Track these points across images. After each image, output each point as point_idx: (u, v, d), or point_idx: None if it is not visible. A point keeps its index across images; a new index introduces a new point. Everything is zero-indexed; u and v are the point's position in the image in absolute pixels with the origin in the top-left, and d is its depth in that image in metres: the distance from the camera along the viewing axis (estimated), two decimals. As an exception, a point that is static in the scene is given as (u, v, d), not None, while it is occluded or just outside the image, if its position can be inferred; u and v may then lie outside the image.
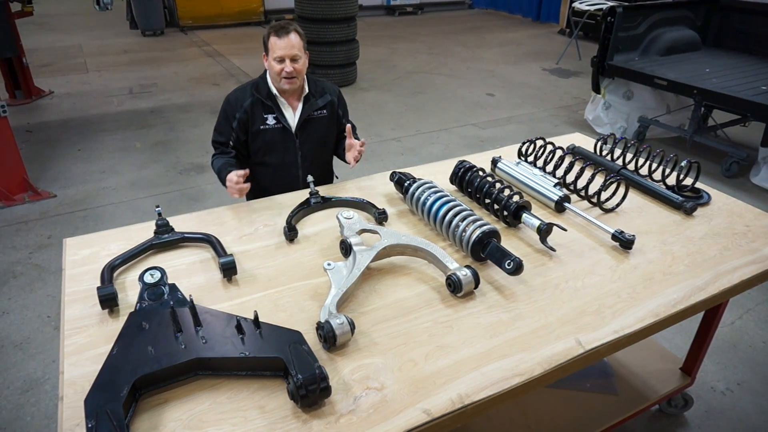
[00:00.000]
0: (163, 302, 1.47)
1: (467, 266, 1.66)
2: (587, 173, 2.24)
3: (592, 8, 9.01)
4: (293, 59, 2.19)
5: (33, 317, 3.08)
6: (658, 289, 1.69)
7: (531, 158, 2.49)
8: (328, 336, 1.40)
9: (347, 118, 2.57)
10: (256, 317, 1.40)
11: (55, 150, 5.27)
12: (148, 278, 1.52)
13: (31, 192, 4.36)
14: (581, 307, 1.60)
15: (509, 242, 1.93)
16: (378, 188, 2.33)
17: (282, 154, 2.40)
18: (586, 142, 2.77)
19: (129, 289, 1.66)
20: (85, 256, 1.84)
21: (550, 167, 2.38)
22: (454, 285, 1.62)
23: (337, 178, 2.75)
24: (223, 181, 2.19)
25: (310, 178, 2.18)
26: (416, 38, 10.57)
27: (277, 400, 1.28)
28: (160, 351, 1.31)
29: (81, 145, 5.38)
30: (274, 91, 2.30)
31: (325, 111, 2.41)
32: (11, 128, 4.23)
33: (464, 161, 2.27)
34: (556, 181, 2.22)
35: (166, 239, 1.85)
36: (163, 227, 1.87)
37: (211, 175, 4.29)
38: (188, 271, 1.76)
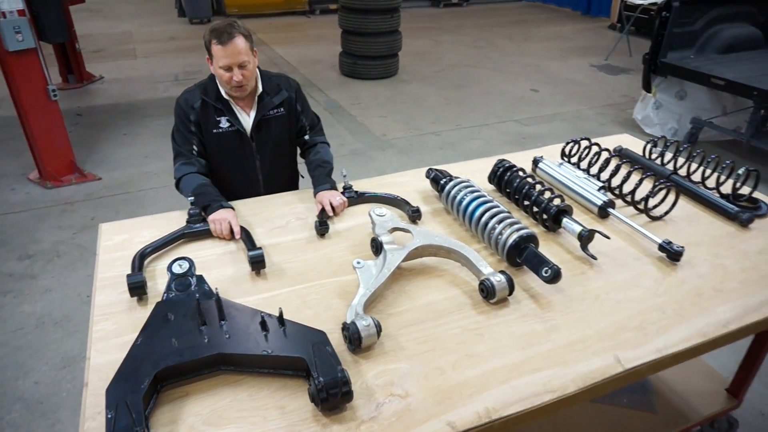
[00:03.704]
0: (189, 293, 1.46)
1: (502, 271, 1.59)
2: (634, 177, 2.11)
3: (646, 2, 8.62)
4: (241, 66, 1.96)
5: (73, 296, 3.17)
6: (707, 307, 1.58)
7: (574, 159, 2.38)
8: (353, 338, 1.36)
9: (308, 113, 2.30)
10: (281, 315, 1.37)
11: (102, 134, 5.42)
12: (176, 268, 1.52)
13: (77, 174, 4.50)
14: (622, 321, 1.51)
15: (548, 248, 1.84)
16: (413, 185, 2.27)
17: (238, 159, 2.19)
18: (635, 144, 2.63)
19: (159, 278, 1.67)
20: (118, 242, 1.85)
21: (594, 170, 2.26)
22: (487, 291, 1.55)
23: (302, 177, 2.48)
24: (199, 205, 1.91)
25: (344, 171, 2.14)
26: (461, 30, 10.39)
27: (297, 401, 1.25)
28: (184, 344, 1.30)
29: (127, 129, 5.51)
30: (224, 94, 2.08)
31: (282, 109, 2.19)
32: (61, 112, 4.35)
33: (503, 160, 2.19)
34: (601, 184, 2.11)
35: (197, 229, 1.85)
36: (195, 217, 1.87)
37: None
38: (218, 262, 1.75)
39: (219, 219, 1.84)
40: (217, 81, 2.06)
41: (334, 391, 1.19)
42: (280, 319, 1.37)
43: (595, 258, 1.75)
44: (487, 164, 2.27)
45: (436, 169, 2.16)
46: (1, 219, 3.95)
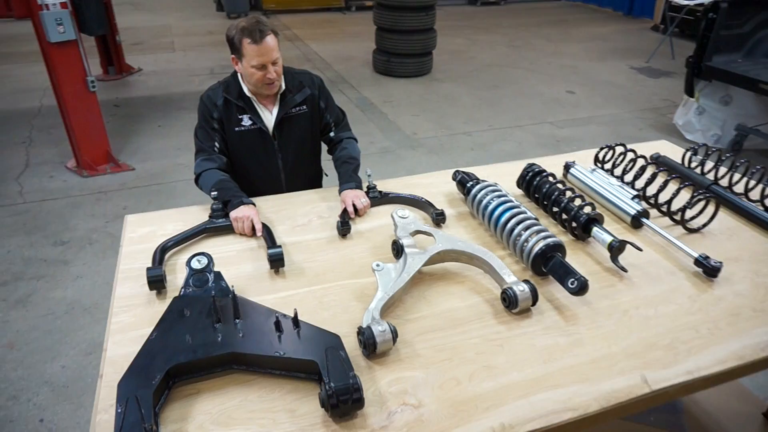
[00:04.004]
0: (206, 289, 1.46)
1: (525, 280, 1.53)
2: (672, 187, 2.02)
3: (692, 3, 8.31)
4: (274, 63, 1.95)
5: (103, 284, 3.24)
6: (745, 328, 1.48)
7: (608, 165, 2.29)
8: (368, 343, 1.33)
9: (333, 110, 2.26)
10: (296, 316, 1.35)
11: (138, 125, 5.54)
12: (195, 264, 1.51)
13: (112, 164, 4.60)
14: (651, 339, 1.44)
15: (576, 257, 1.77)
16: (439, 186, 2.22)
17: (260, 157, 2.17)
18: (673, 152, 2.52)
19: (179, 272, 1.67)
20: (142, 234, 1.87)
21: (629, 177, 2.17)
22: (509, 300, 1.50)
23: (326, 175, 2.48)
24: (220, 200, 1.91)
25: (368, 171, 2.11)
26: (497, 30, 10.24)
27: (308, 405, 1.23)
28: (198, 340, 1.29)
29: (162, 121, 5.62)
30: (247, 92, 2.06)
31: (304, 107, 2.16)
32: (99, 103, 4.46)
33: (533, 164, 2.12)
34: (635, 193, 2.02)
35: (219, 224, 1.85)
36: (218, 212, 1.87)
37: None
38: (238, 259, 1.75)
39: (241, 217, 1.83)
40: (244, 79, 2.05)
41: (345, 398, 1.16)
42: (295, 320, 1.35)
43: (625, 270, 1.68)
44: (517, 168, 2.21)
45: (463, 172, 2.11)
46: (39, 205, 4.07)
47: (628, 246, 1.71)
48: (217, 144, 2.09)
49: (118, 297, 1.57)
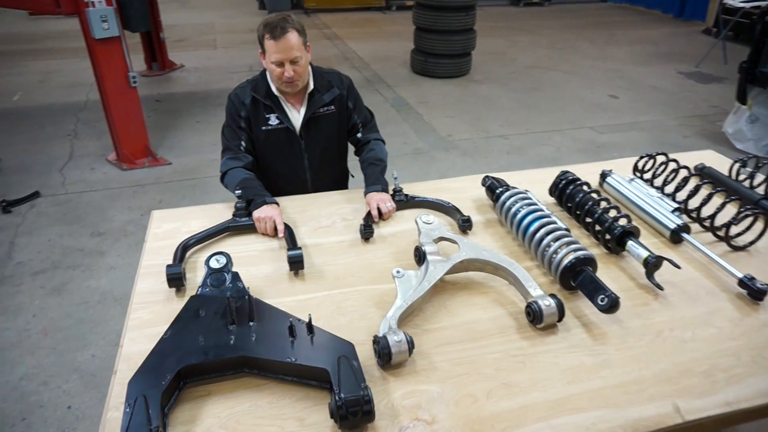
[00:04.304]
0: (223, 289, 1.44)
1: (552, 295, 1.46)
2: (716, 200, 1.90)
3: (748, 5, 7.92)
4: (293, 61, 1.92)
5: (134, 276, 3.29)
6: (792, 357, 1.37)
7: (648, 175, 2.18)
8: (382, 352, 1.29)
9: (361, 110, 2.23)
10: (310, 322, 1.32)
11: (177, 120, 5.65)
12: (213, 263, 1.50)
13: (150, 158, 4.70)
14: (687, 364, 1.34)
15: (608, 272, 1.69)
16: (468, 191, 2.16)
17: (287, 156, 2.15)
18: (720, 162, 2.38)
19: (200, 269, 1.67)
20: (167, 230, 1.88)
21: (670, 188, 2.06)
22: (534, 314, 1.43)
23: (353, 176, 2.45)
24: (244, 198, 1.89)
25: (395, 173, 2.06)
26: (539, 31, 10.02)
27: (318, 414, 1.20)
28: (210, 342, 1.28)
29: (200, 117, 5.72)
30: (275, 90, 2.05)
31: (332, 107, 2.13)
32: (139, 98, 4.57)
33: (567, 172, 2.03)
34: (676, 206, 1.91)
35: (242, 223, 1.84)
36: (241, 210, 1.86)
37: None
38: (258, 259, 1.73)
39: (264, 217, 1.82)
40: (269, 76, 2.04)
41: (355, 410, 1.12)
42: (309, 326, 1.32)
43: (661, 288, 1.58)
44: (550, 174, 2.12)
45: (493, 177, 2.04)
46: (80, 196, 4.19)
47: (666, 263, 1.61)
48: (243, 143, 2.08)
49: (138, 293, 1.58)
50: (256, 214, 1.84)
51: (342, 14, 11.19)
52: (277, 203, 1.92)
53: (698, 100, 6.62)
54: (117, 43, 4.21)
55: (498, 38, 9.30)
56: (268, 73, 2.06)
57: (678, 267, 1.60)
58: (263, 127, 2.09)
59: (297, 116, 2.11)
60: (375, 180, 2.04)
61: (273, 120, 2.08)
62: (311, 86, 2.08)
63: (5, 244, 3.57)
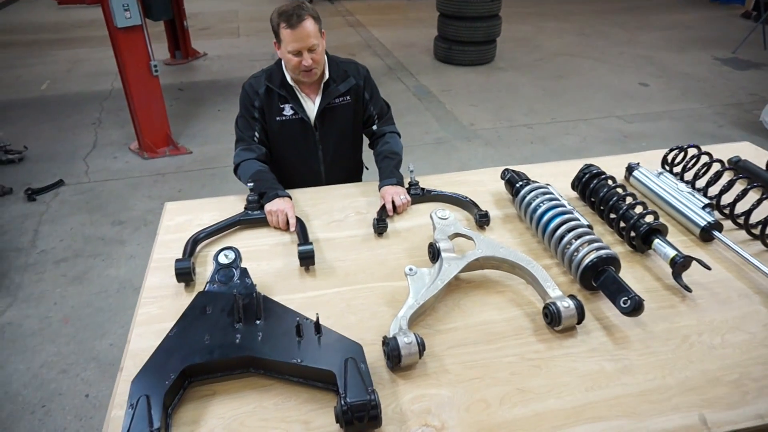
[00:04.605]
0: (231, 286, 1.41)
1: (571, 296, 1.39)
2: (752, 196, 1.79)
3: (791, -12, 7.55)
4: (310, 49, 1.87)
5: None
6: (831, 367, 1.28)
7: (678, 169, 2.07)
8: (392, 354, 1.24)
9: (377, 102, 2.16)
10: (318, 321, 1.28)
11: (199, 109, 5.67)
12: (222, 258, 1.47)
13: (172, 146, 4.73)
14: (715, 372, 1.26)
15: (632, 271, 1.60)
16: (487, 184, 2.09)
17: (300, 148, 2.11)
18: (758, 156, 2.26)
19: (210, 264, 1.63)
20: (179, 223, 1.86)
21: (701, 183, 1.95)
22: (551, 316, 1.36)
23: (367, 169, 2.40)
24: (257, 191, 1.86)
25: (411, 166, 2.00)
26: (567, 17, 9.74)
27: (323, 417, 1.16)
28: (216, 340, 1.25)
29: (221, 105, 5.72)
30: (290, 80, 2.00)
31: (348, 97, 2.07)
32: (161, 87, 4.58)
33: (591, 165, 1.94)
34: (707, 201, 1.81)
35: (254, 216, 1.81)
36: (253, 203, 1.83)
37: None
38: (269, 253, 1.70)
39: (276, 210, 1.79)
40: (284, 66, 2.00)
41: (360, 414, 1.08)
42: (317, 325, 1.28)
43: (689, 290, 1.49)
44: (572, 168, 2.04)
45: (513, 170, 1.96)
46: (102, 185, 4.24)
47: (695, 263, 1.52)
48: (257, 134, 2.05)
49: (147, 287, 1.57)
50: (268, 207, 1.81)
51: (366, 1, 11.07)
52: (289, 196, 1.88)
53: (735, 87, 6.35)
54: (139, 31, 4.22)
55: (524, 24, 9.07)
56: (283, 63, 2.01)
57: (708, 268, 1.51)
58: (277, 118, 2.05)
59: (312, 107, 2.06)
60: (389, 173, 1.99)
61: (287, 110, 2.04)
62: (326, 76, 2.03)
63: (30, 232, 3.63)
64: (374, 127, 2.17)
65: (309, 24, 1.85)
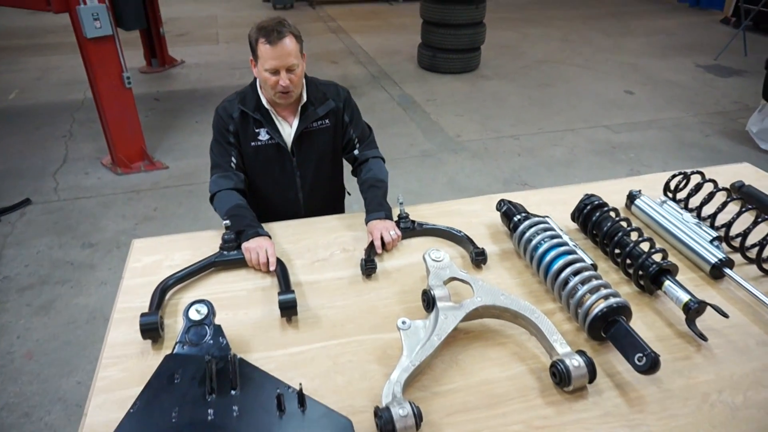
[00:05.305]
0: (202, 346, 1.26)
1: (581, 351, 1.26)
2: (763, 228, 1.69)
3: (771, -5, 7.60)
4: (289, 69, 1.74)
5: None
6: None
7: (681, 195, 1.97)
8: (386, 428, 1.10)
9: (358, 125, 2.04)
10: (301, 393, 1.13)
11: (176, 120, 5.46)
12: (193, 314, 1.32)
13: (147, 162, 4.53)
14: (742, 441, 1.15)
15: (642, 315, 1.49)
16: (481, 215, 1.96)
17: (277, 174, 1.98)
18: (759, 178, 2.17)
19: (181, 314, 1.48)
20: (147, 264, 1.70)
21: (706, 211, 1.85)
22: (560, 376, 1.24)
23: (349, 194, 2.27)
24: (234, 230, 1.70)
25: (400, 198, 1.87)
26: (551, 22, 9.71)
27: None
28: (185, 417, 1.10)
29: (199, 117, 5.53)
30: (266, 103, 1.87)
31: (327, 121, 1.95)
32: (135, 100, 4.38)
33: (592, 196, 1.83)
34: (715, 234, 1.70)
35: (230, 258, 1.65)
36: (229, 243, 1.67)
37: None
38: (247, 301, 1.55)
39: (255, 247, 1.64)
40: (260, 87, 1.85)
41: None
42: (300, 397, 1.13)
43: (704, 338, 1.38)
44: (571, 195, 1.93)
45: (509, 202, 1.84)
46: (72, 203, 4.03)
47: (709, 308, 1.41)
48: (233, 159, 1.90)
49: (109, 345, 1.40)
50: (246, 244, 1.66)
51: (348, 6, 10.93)
52: (269, 235, 1.73)
53: (719, 95, 6.34)
54: (110, 42, 4.02)
55: (508, 30, 9.02)
56: (258, 84, 1.87)
57: (725, 316, 1.40)
58: (252, 143, 1.90)
59: (289, 131, 1.92)
60: (377, 206, 1.85)
61: (263, 135, 1.90)
62: (304, 98, 1.88)
63: (-7, 256, 3.42)
64: (356, 152, 2.03)
65: (289, 42, 1.71)
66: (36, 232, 3.67)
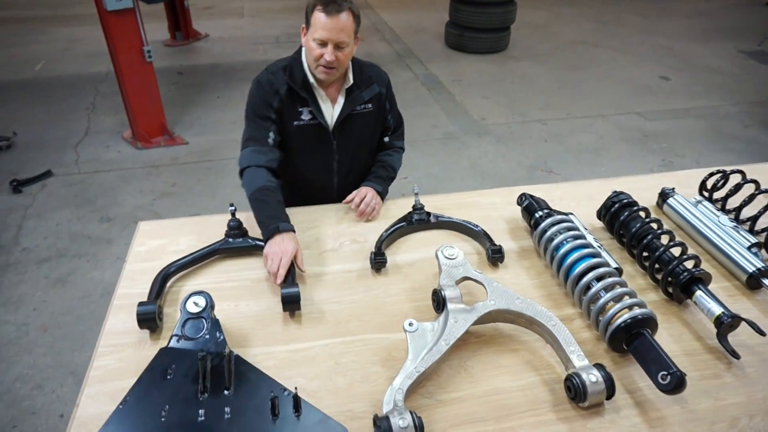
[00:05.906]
0: (198, 341, 1.20)
1: (598, 365, 1.18)
2: (805, 235, 1.56)
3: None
4: (338, 46, 1.64)
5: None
6: None
7: (719, 194, 1.84)
8: (384, 440, 1.04)
9: (395, 113, 2.00)
10: (297, 398, 1.07)
11: (198, 95, 5.42)
12: (190, 306, 1.26)
13: (167, 137, 4.50)
14: (773, 475, 1.05)
15: (668, 326, 1.39)
16: (501, 208, 1.86)
17: (314, 157, 1.91)
18: (805, 179, 2.01)
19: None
20: (151, 248, 1.66)
21: (745, 214, 1.72)
22: (575, 391, 1.15)
23: None
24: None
25: (416, 188, 1.78)
26: (585, 2, 9.32)
27: None
28: (174, 416, 1.05)
29: (221, 92, 5.47)
30: (311, 79, 1.76)
31: (370, 105, 1.87)
32: (156, 74, 4.33)
33: (621, 193, 1.71)
34: (754, 240, 1.58)
35: (235, 245, 1.59)
36: (235, 229, 1.61)
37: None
38: (250, 292, 1.49)
39: (277, 253, 1.49)
40: (304, 60, 1.75)
41: None
42: (296, 402, 1.07)
43: (737, 356, 1.27)
44: (598, 190, 1.82)
45: (531, 196, 1.73)
46: (92, 177, 4.03)
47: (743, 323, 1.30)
48: (272, 134, 1.78)
49: (107, 333, 1.36)
50: (268, 249, 1.53)
51: (376, -20, 10.67)
52: (293, 229, 1.60)
53: (761, 84, 6.01)
54: (131, 15, 3.96)
55: (540, 9, 8.69)
56: (304, 55, 1.77)
57: (762, 333, 1.29)
58: (295, 122, 1.81)
59: (331, 112, 1.83)
60: (379, 180, 1.90)
61: (305, 114, 1.80)
62: (350, 81, 1.79)
63: (13, 227, 3.44)
64: (386, 139, 1.97)
65: (345, 18, 1.61)
66: (56, 204, 3.69)
